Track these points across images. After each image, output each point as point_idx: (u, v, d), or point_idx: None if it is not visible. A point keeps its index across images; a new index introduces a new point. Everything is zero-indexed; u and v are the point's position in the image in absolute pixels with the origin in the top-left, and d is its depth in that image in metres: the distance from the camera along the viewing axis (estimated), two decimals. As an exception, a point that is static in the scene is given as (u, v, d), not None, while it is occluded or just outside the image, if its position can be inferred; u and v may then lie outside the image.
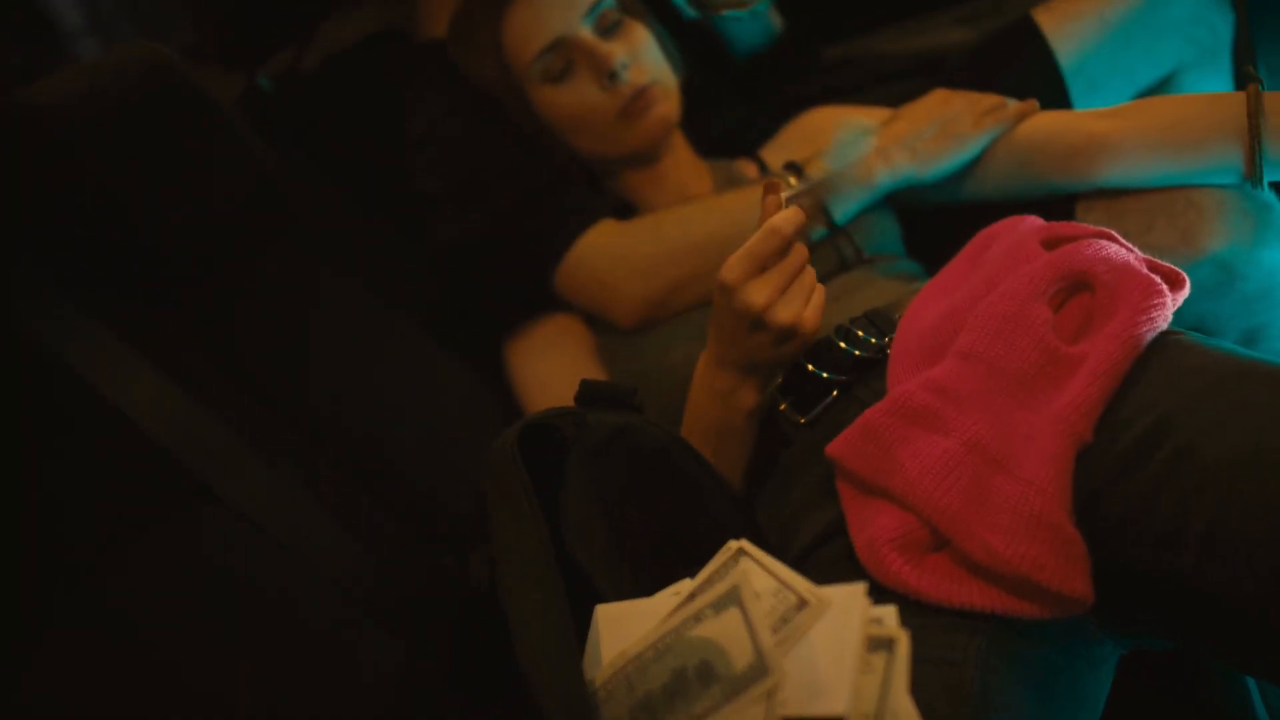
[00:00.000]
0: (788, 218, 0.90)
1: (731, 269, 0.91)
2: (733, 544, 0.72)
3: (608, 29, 1.25)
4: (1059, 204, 1.20)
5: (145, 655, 0.87)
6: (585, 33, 1.23)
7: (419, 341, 1.23)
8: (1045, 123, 1.19)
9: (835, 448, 0.89)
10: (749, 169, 1.38)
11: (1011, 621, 0.78)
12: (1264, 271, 1.09)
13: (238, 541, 0.94)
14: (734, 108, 1.54)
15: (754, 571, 0.69)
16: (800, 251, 0.93)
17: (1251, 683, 1.01)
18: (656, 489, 0.90)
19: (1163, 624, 0.80)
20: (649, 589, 0.76)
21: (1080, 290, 0.90)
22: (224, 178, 1.08)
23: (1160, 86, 1.50)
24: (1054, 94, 1.31)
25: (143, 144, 1.02)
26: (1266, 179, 1.06)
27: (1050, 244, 0.95)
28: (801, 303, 0.93)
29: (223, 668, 0.87)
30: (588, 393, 0.94)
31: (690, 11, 1.56)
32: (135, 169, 1.01)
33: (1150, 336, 0.85)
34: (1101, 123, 1.14)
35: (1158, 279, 0.88)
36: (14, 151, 0.98)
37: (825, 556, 0.92)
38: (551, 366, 1.24)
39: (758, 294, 0.91)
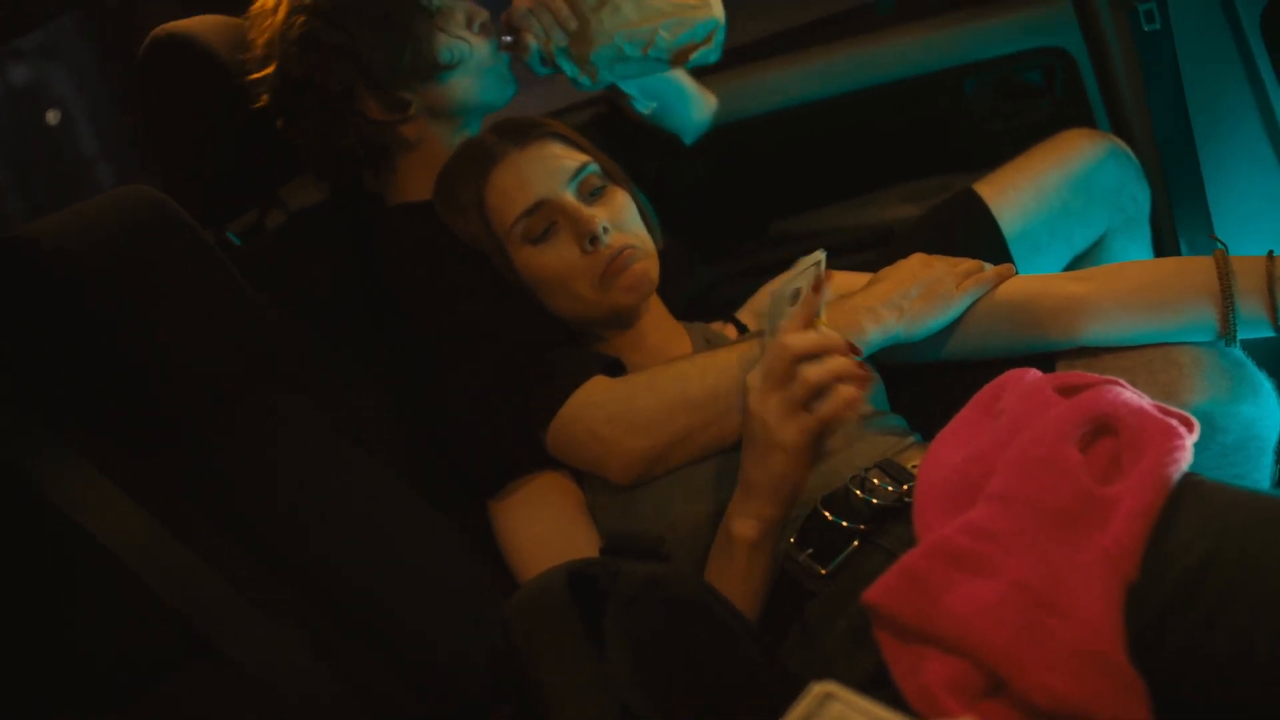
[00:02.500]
0: (802, 340, 0.97)
1: (755, 374, 0.99)
2: (818, 687, 0.70)
3: (591, 194, 1.28)
4: (1038, 362, 1.24)
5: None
6: (568, 196, 1.26)
7: (409, 494, 1.19)
8: (1023, 285, 1.24)
9: (874, 595, 0.88)
10: (727, 330, 1.41)
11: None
12: (1241, 424, 1.13)
13: (236, 699, 0.88)
14: (702, 275, 1.58)
15: (850, 716, 0.67)
16: (826, 370, 0.97)
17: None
18: (691, 639, 0.88)
19: None
20: None
21: (1103, 434, 0.93)
22: (221, 321, 1.06)
23: (1092, 250, 1.61)
24: (999, 259, 1.37)
25: (143, 285, 0.99)
26: (1239, 337, 1.13)
27: (1064, 391, 0.98)
28: (822, 416, 0.97)
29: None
30: (616, 543, 0.92)
31: (644, 105, 1.60)
32: (135, 309, 0.98)
33: (1177, 477, 0.87)
34: (1078, 285, 1.19)
35: (1175, 422, 0.91)
36: (14, 287, 0.94)
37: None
38: (543, 524, 1.21)
39: (774, 405, 0.97)
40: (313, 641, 0.96)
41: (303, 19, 1.34)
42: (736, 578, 1.03)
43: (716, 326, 1.42)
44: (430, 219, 1.36)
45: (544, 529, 1.21)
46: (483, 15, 1.46)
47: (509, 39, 1.44)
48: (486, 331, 1.25)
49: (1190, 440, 0.91)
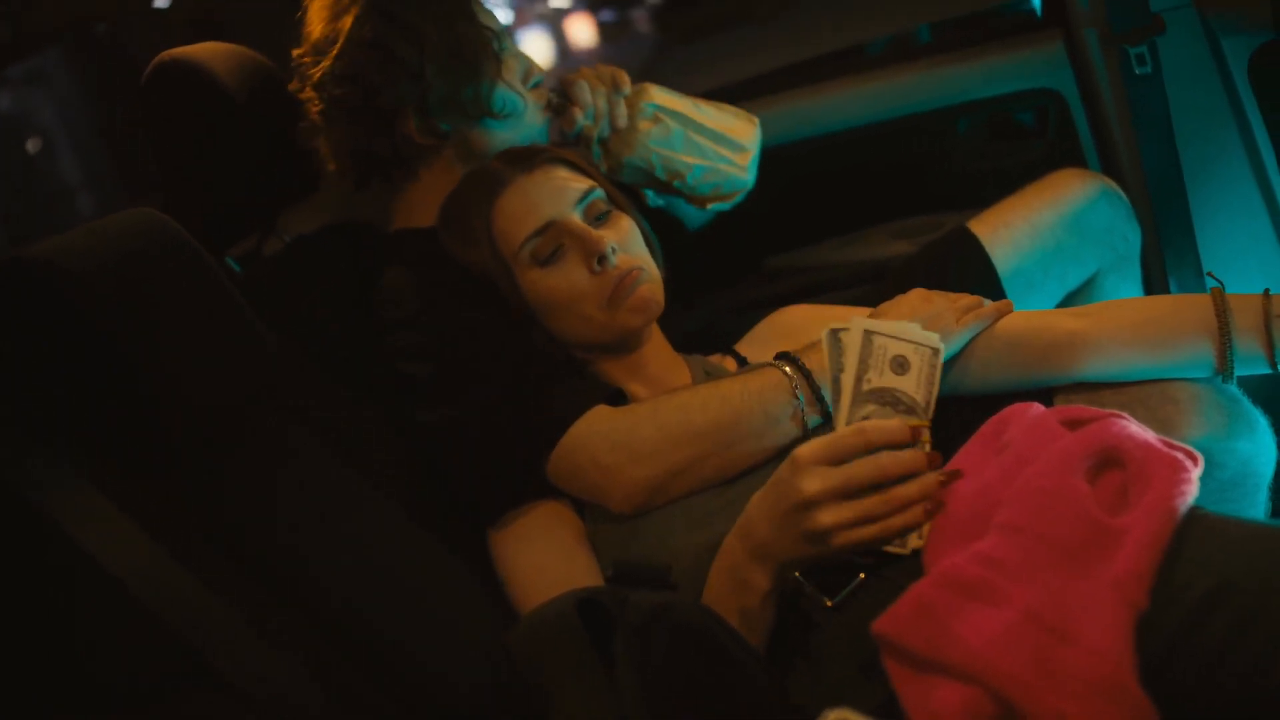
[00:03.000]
0: (882, 429, 0.94)
1: (810, 445, 0.94)
2: (833, 714, 0.70)
3: (597, 218, 1.29)
4: (1036, 397, 1.25)
5: None
6: (576, 218, 1.26)
7: (407, 521, 1.19)
8: (1021, 321, 1.25)
9: (884, 625, 0.88)
10: (726, 363, 1.41)
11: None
12: (1238, 460, 1.14)
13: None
14: (700, 307, 1.59)
15: None
16: (877, 467, 0.94)
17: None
18: (700, 666, 0.88)
19: None
20: None
21: (1109, 466, 0.94)
22: (227, 348, 1.05)
23: (1084, 288, 1.63)
24: (993, 296, 1.38)
25: (150, 308, 0.99)
26: (1236, 374, 1.14)
27: (1070, 425, 0.99)
28: (850, 514, 0.94)
29: None
30: (624, 571, 0.92)
31: (657, 199, 1.62)
32: (142, 332, 0.98)
33: (1184, 509, 0.88)
34: (1077, 321, 1.21)
35: (1180, 455, 0.92)
36: (21, 305, 0.94)
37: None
38: (543, 554, 1.21)
39: (816, 481, 0.93)
40: (313, 667, 0.95)
41: (380, 24, 1.34)
42: (751, 618, 1.02)
43: (715, 359, 1.42)
44: (431, 246, 1.36)
45: (544, 559, 1.20)
46: (539, 73, 1.48)
47: (558, 102, 1.46)
48: (488, 359, 1.25)
49: (1196, 473, 0.92)
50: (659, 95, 1.48)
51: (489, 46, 1.38)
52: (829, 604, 1.01)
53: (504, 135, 1.42)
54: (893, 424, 0.94)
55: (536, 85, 1.47)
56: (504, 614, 1.18)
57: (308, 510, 1.10)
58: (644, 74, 1.57)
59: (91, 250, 0.97)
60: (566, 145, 1.48)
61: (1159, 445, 0.94)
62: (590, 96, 1.46)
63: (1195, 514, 0.90)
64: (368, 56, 1.33)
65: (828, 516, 0.93)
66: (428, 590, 1.13)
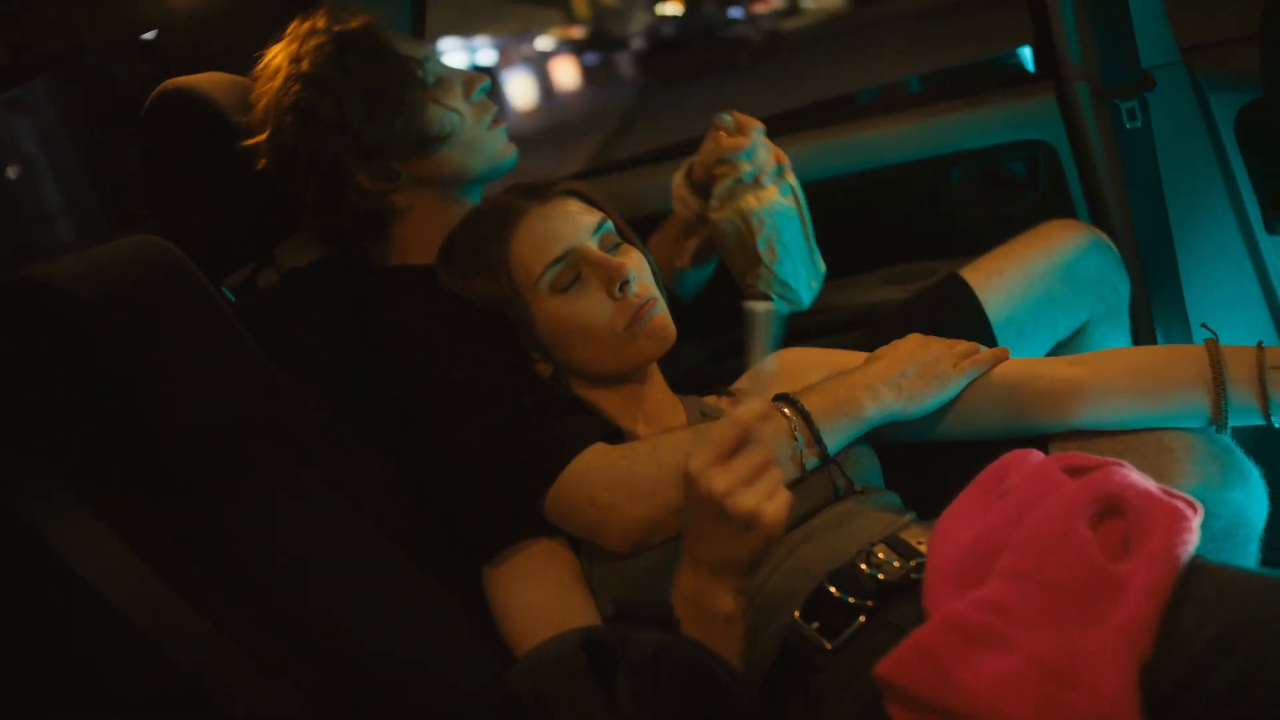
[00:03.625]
0: (750, 409, 0.95)
1: (695, 457, 0.95)
2: None
3: (610, 249, 1.29)
4: (1030, 444, 1.26)
5: None
6: (594, 246, 1.27)
7: (402, 555, 1.18)
8: (1018, 368, 1.26)
9: (886, 668, 0.88)
10: (722, 404, 1.41)
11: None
12: (1231, 510, 1.15)
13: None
14: (694, 348, 1.59)
15: None
16: (763, 447, 0.96)
17: None
18: (701, 706, 0.87)
19: None
20: None
21: (1111, 513, 0.94)
22: (228, 378, 1.04)
23: (1074, 338, 1.65)
24: (985, 344, 1.39)
25: (153, 337, 0.98)
26: (1230, 424, 1.15)
27: (1071, 472, 0.99)
28: (763, 493, 0.95)
29: None
30: (625, 610, 0.91)
31: (693, 279, 1.66)
32: (145, 361, 0.97)
33: (1186, 557, 0.89)
34: (1073, 369, 1.22)
35: (1180, 504, 0.93)
36: (23, 329, 0.93)
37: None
38: (539, 591, 1.20)
39: (719, 480, 0.93)
40: (307, 698, 0.94)
41: (297, 88, 1.34)
42: (724, 642, 1.01)
43: (711, 400, 1.42)
44: (427, 282, 1.36)
45: (540, 596, 1.19)
46: (481, 81, 1.47)
47: (731, 125, 1.47)
48: (485, 395, 1.25)
49: (1196, 522, 0.92)
50: (796, 185, 1.51)
51: (413, 76, 1.38)
52: (829, 646, 1.01)
53: (455, 154, 1.42)
54: (757, 404, 0.96)
55: (484, 92, 1.46)
56: (497, 649, 1.18)
57: (305, 542, 1.09)
58: (628, 116, 1.58)
59: (96, 275, 0.97)
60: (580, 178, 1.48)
61: (1160, 494, 0.94)
62: (759, 139, 1.46)
63: (1197, 562, 0.90)
64: (295, 123, 1.34)
65: (747, 500, 0.93)
66: (424, 625, 1.12)
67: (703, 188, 1.55)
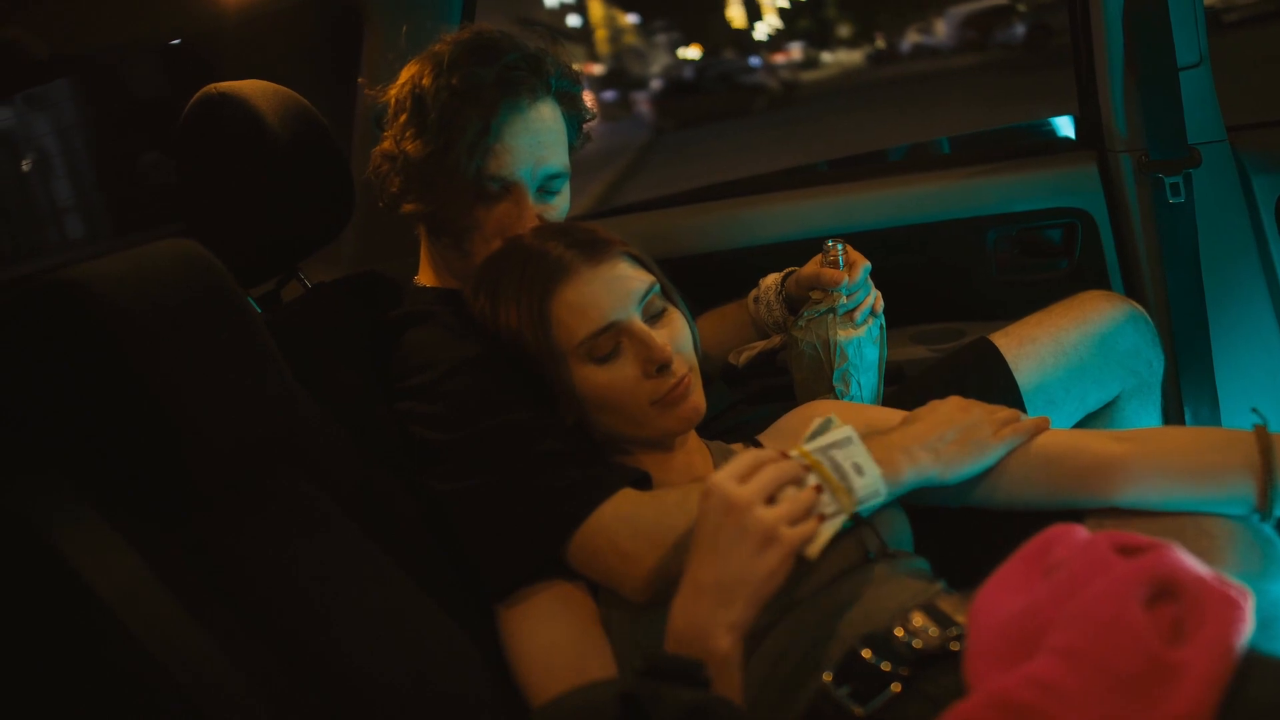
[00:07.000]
0: (771, 454, 0.97)
1: (720, 471, 0.96)
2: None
3: (654, 315, 1.26)
4: (1063, 519, 1.23)
5: None
6: (639, 321, 1.23)
7: (416, 586, 1.14)
8: (1059, 439, 1.23)
9: (926, 742, 0.85)
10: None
11: None
12: (1269, 602, 1.12)
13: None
14: (722, 395, 1.56)
15: None
16: (778, 470, 0.97)
17: None
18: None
19: None
20: None
21: (1163, 597, 0.91)
22: (258, 394, 1.00)
23: (1104, 411, 1.62)
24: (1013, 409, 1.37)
25: (185, 343, 0.94)
26: (1276, 514, 1.12)
27: (1121, 551, 0.96)
28: (786, 510, 0.95)
29: None
30: (656, 665, 0.88)
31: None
32: (174, 366, 0.93)
33: (1241, 647, 0.85)
34: (1117, 445, 1.19)
35: (1232, 591, 0.90)
36: (56, 329, 0.90)
37: None
38: (555, 634, 1.16)
39: (740, 490, 0.94)
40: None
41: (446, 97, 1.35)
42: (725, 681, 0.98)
43: (738, 448, 1.39)
44: (459, 306, 1.33)
45: (556, 639, 1.16)
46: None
47: (834, 258, 1.49)
48: (512, 434, 1.21)
49: (1250, 609, 0.89)
50: (884, 326, 1.56)
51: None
52: (860, 713, 0.97)
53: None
54: (787, 462, 0.99)
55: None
56: (510, 690, 1.14)
57: (321, 571, 1.05)
58: (640, 154, 1.58)
59: (130, 278, 0.93)
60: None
61: (1213, 580, 0.91)
62: (866, 279, 1.51)
63: (1251, 654, 0.87)
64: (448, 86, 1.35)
65: (767, 515, 0.94)
66: (438, 662, 1.08)
67: (790, 300, 1.59)
